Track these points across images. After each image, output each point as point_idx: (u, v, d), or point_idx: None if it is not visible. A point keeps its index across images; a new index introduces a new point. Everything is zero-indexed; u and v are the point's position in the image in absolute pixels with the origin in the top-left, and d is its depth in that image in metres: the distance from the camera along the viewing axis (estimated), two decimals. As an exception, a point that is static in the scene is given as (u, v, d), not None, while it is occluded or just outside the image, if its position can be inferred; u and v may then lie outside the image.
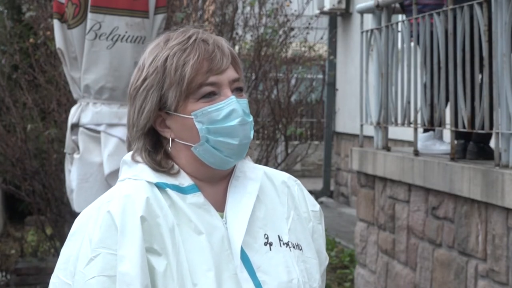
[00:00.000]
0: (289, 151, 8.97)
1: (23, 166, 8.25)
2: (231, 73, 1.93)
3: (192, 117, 1.89)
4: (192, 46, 1.90)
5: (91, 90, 5.21)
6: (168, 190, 1.90)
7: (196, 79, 1.88)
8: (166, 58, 1.90)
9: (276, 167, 8.73)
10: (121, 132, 5.19)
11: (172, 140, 1.93)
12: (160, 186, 1.90)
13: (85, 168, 5.20)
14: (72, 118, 5.29)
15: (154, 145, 1.95)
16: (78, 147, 5.25)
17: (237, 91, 1.93)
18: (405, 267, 5.95)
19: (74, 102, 5.67)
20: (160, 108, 1.92)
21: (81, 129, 5.22)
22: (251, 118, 1.93)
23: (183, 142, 1.92)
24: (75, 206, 5.26)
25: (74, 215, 8.45)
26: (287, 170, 8.69)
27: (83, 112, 5.24)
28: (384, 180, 6.30)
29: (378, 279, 6.43)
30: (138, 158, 1.95)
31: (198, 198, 1.91)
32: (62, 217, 8.38)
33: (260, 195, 1.98)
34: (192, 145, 1.91)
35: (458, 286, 5.13)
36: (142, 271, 1.81)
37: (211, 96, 1.90)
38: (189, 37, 1.92)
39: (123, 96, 5.26)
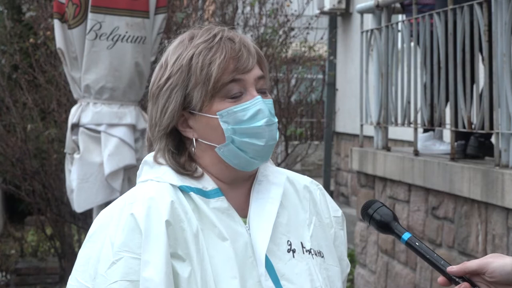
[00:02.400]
0: (289, 151, 8.97)
1: (23, 166, 8.26)
2: (257, 72, 1.89)
3: (218, 117, 1.84)
4: (218, 44, 1.85)
5: (92, 90, 5.21)
6: (192, 194, 1.85)
7: (223, 79, 1.84)
8: (192, 57, 1.85)
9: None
10: (121, 132, 5.20)
11: (196, 140, 1.88)
12: (183, 190, 1.85)
13: (85, 168, 5.20)
14: (72, 118, 5.29)
15: (177, 146, 1.90)
16: (78, 147, 5.25)
17: (262, 91, 1.89)
18: (405, 267, 5.95)
19: (74, 102, 5.67)
20: (184, 107, 1.87)
21: (81, 129, 5.23)
22: (276, 119, 1.88)
23: (207, 143, 1.87)
24: (75, 206, 5.26)
25: (74, 215, 8.47)
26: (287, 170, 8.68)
27: (83, 112, 5.25)
28: (384, 180, 6.30)
29: (378, 279, 6.43)
30: (161, 160, 1.89)
31: (222, 202, 1.86)
32: (62, 217, 8.39)
33: (282, 201, 1.93)
34: (216, 145, 1.86)
35: (458, 286, 5.12)
36: (167, 277, 1.75)
37: (236, 96, 1.85)
38: (215, 35, 1.87)
39: (123, 96, 5.27)
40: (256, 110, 1.85)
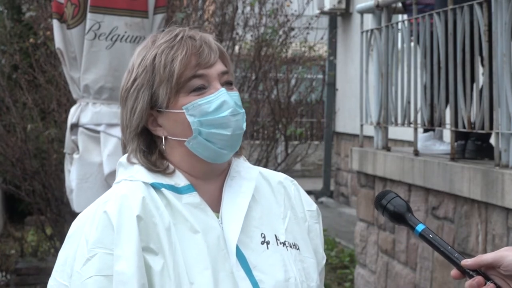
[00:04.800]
0: (289, 151, 8.97)
1: (23, 166, 8.25)
2: (219, 67, 1.94)
3: (184, 111, 1.90)
4: (180, 43, 1.92)
5: (91, 90, 5.21)
6: (164, 190, 1.90)
7: (185, 74, 1.90)
8: (155, 57, 1.92)
9: (276, 167, 8.73)
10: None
11: (165, 138, 1.94)
12: (155, 187, 1.91)
13: (84, 168, 5.20)
14: (71, 118, 5.29)
15: (148, 146, 1.96)
16: (77, 147, 5.24)
17: (227, 85, 1.94)
18: (405, 267, 5.95)
19: (74, 102, 5.67)
20: (151, 106, 1.93)
21: (80, 129, 5.22)
22: (243, 110, 1.94)
23: (176, 139, 1.93)
24: (75, 206, 5.26)
25: (74, 215, 8.47)
26: (287, 170, 8.69)
27: (83, 112, 5.24)
28: (384, 180, 6.30)
29: (378, 279, 6.43)
30: (134, 160, 1.96)
31: (194, 198, 1.92)
32: (62, 217, 8.38)
33: (255, 195, 1.98)
34: (186, 139, 1.92)
35: (458, 286, 5.12)
36: (138, 270, 1.81)
37: (201, 89, 1.91)
38: (176, 35, 1.94)
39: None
40: (221, 101, 1.90)
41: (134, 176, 1.93)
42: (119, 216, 1.85)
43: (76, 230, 1.91)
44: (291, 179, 2.10)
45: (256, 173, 2.02)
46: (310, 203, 2.10)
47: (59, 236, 8.64)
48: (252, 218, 1.95)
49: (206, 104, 1.90)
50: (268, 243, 1.94)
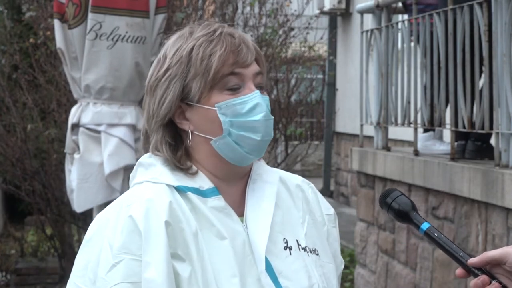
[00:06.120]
0: (289, 151, 8.97)
1: (23, 166, 8.26)
2: (255, 67, 1.89)
3: (216, 108, 1.85)
4: (219, 38, 1.87)
5: (92, 90, 5.21)
6: (189, 194, 1.85)
7: (222, 70, 1.85)
8: (192, 48, 1.86)
9: (276, 167, 8.68)
10: (121, 132, 5.20)
11: (191, 133, 1.89)
12: (180, 190, 1.85)
13: (85, 168, 5.20)
14: (72, 118, 5.29)
15: (173, 139, 1.90)
16: (78, 147, 5.25)
17: (259, 88, 1.90)
18: (405, 267, 5.95)
19: (74, 102, 5.67)
20: (181, 99, 1.87)
21: (81, 129, 5.23)
22: (273, 116, 1.89)
23: (203, 135, 1.88)
24: (75, 206, 5.27)
25: (74, 215, 8.47)
26: (287, 170, 8.65)
27: (84, 112, 5.25)
28: (384, 180, 6.30)
29: (378, 279, 6.43)
30: (157, 152, 1.90)
31: (219, 201, 1.87)
32: (62, 217, 8.39)
33: (276, 200, 1.94)
34: (213, 138, 1.87)
35: (458, 286, 5.13)
36: (168, 277, 1.75)
37: (235, 89, 1.86)
38: (215, 30, 1.89)
39: (123, 96, 5.27)
40: (255, 103, 1.85)
41: (157, 178, 1.86)
42: (146, 221, 1.78)
43: (96, 233, 1.84)
44: (308, 182, 2.06)
45: (277, 176, 1.98)
46: (327, 207, 2.06)
47: (59, 236, 8.65)
48: (274, 223, 1.90)
49: (240, 104, 1.85)
50: (290, 248, 1.90)
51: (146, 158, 1.93)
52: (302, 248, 1.92)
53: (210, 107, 1.85)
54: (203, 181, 1.87)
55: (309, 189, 2.04)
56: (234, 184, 1.91)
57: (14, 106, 8.38)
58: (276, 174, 1.99)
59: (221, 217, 1.85)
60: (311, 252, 1.93)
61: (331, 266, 1.98)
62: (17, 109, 8.40)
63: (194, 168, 1.88)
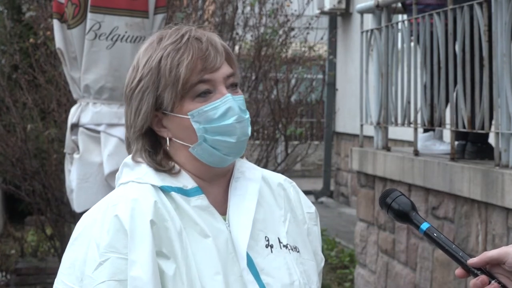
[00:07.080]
0: (289, 151, 8.97)
1: (23, 166, 8.25)
2: (225, 69, 1.92)
3: (189, 117, 1.89)
4: (186, 45, 1.89)
5: (91, 90, 5.21)
6: (173, 193, 1.89)
7: (191, 80, 1.87)
8: (160, 59, 1.89)
9: (276, 167, 8.73)
10: (121, 132, 5.19)
11: (170, 139, 1.92)
12: (164, 190, 1.89)
13: (85, 168, 5.20)
14: (72, 118, 5.29)
15: (153, 145, 1.94)
16: (78, 147, 5.25)
17: (232, 87, 1.92)
18: (405, 267, 5.95)
19: (74, 102, 5.67)
20: (156, 108, 1.91)
21: (81, 129, 5.23)
22: (247, 115, 1.92)
23: (181, 142, 1.92)
24: (75, 206, 5.26)
25: (74, 215, 8.47)
26: (287, 170, 8.69)
27: (83, 112, 5.25)
28: (384, 180, 6.30)
29: (378, 279, 6.43)
30: (139, 159, 1.94)
31: (202, 201, 1.90)
32: (62, 217, 8.38)
33: (258, 198, 1.97)
34: (190, 145, 1.90)
35: (458, 286, 5.13)
36: (154, 275, 1.80)
37: (206, 94, 1.89)
38: (182, 36, 1.90)
39: (123, 96, 5.26)
40: (227, 108, 1.88)
41: (142, 179, 1.91)
42: (131, 220, 1.83)
43: (82, 233, 1.88)
44: (290, 180, 2.10)
45: (260, 174, 2.01)
46: (309, 205, 2.09)
47: (59, 236, 8.64)
48: (256, 221, 1.94)
49: (212, 110, 1.88)
50: (272, 246, 1.94)
51: (130, 158, 1.97)
52: (284, 246, 1.95)
53: (184, 116, 1.89)
54: (186, 181, 1.92)
55: (290, 187, 2.07)
56: (216, 183, 1.95)
57: (14, 106, 8.38)
58: (258, 171, 2.02)
59: (204, 216, 1.89)
60: (292, 249, 1.97)
61: (311, 263, 2.01)
62: (17, 109, 8.39)
63: (177, 167, 1.92)
